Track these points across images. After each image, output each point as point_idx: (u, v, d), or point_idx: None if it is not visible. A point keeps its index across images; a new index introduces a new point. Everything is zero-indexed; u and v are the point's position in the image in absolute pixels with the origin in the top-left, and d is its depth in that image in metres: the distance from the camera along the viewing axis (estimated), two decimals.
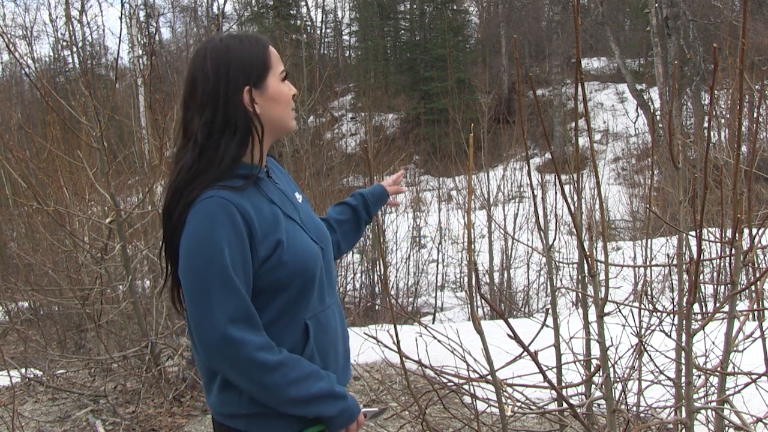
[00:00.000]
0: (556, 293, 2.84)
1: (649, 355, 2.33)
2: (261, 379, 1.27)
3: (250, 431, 1.35)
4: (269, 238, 1.31)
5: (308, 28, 28.78)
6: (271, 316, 1.34)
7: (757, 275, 2.78)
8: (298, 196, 1.51)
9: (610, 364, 2.19)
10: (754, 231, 1.70)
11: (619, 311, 2.46)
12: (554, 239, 2.66)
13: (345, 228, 1.73)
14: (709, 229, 4.64)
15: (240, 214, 1.27)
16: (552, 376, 2.70)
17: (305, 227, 1.42)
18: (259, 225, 1.30)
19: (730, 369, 1.81)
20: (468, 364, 2.52)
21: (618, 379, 2.38)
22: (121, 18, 9.81)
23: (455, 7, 25.78)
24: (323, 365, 1.40)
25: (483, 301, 7.89)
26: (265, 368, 1.26)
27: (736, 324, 1.72)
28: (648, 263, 5.80)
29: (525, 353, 1.33)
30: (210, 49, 1.35)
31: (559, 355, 2.55)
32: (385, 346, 2.25)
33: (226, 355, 1.26)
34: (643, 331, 2.39)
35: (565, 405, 1.63)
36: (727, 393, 1.80)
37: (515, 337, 1.28)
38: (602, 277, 1.48)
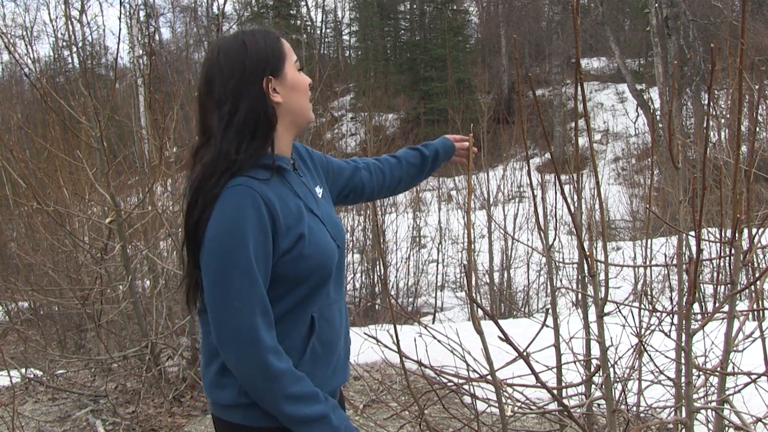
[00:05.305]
0: (556, 293, 2.84)
1: (649, 355, 2.32)
2: (260, 382, 1.27)
3: (247, 423, 1.34)
4: (292, 231, 1.31)
5: (308, 28, 28.80)
6: (284, 309, 1.34)
7: (757, 275, 2.78)
8: (319, 190, 1.50)
9: (610, 364, 2.19)
10: (754, 231, 1.70)
11: (619, 311, 2.46)
12: (554, 239, 2.66)
13: (411, 172, 1.89)
14: (709, 229, 4.64)
15: (265, 206, 1.27)
16: (552, 376, 2.70)
17: (325, 223, 1.43)
18: (283, 217, 1.30)
19: (730, 369, 1.81)
20: (468, 364, 2.52)
21: (618, 379, 2.38)
22: (120, 18, 9.81)
23: (455, 7, 25.80)
24: (325, 358, 1.40)
25: (482, 301, 7.89)
26: (267, 373, 1.26)
27: (736, 324, 1.72)
28: (648, 263, 5.81)
29: (524, 353, 1.33)
30: (223, 46, 1.35)
31: (559, 355, 2.54)
32: (385, 346, 2.25)
33: (238, 346, 1.25)
34: (643, 331, 2.39)
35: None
36: (727, 393, 1.80)
37: (507, 340, 1.28)
38: (602, 277, 1.48)
